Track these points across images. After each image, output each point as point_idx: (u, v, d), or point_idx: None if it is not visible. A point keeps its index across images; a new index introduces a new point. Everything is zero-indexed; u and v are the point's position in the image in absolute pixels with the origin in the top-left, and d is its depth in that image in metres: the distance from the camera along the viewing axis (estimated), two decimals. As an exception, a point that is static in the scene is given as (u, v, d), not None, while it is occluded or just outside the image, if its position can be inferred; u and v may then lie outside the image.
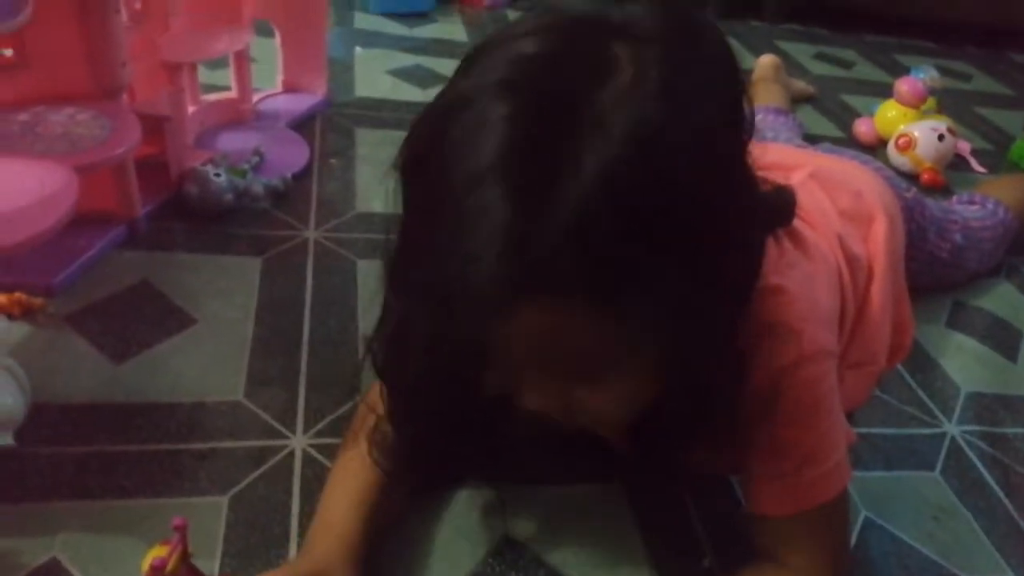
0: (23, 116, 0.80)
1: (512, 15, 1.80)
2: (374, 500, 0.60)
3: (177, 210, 0.94)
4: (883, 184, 0.88)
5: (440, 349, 0.49)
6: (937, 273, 1.03)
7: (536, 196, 0.40)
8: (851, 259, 0.70)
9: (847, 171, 0.87)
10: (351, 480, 0.61)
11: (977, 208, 1.11)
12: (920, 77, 1.54)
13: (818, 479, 0.56)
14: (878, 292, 0.73)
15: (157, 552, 0.52)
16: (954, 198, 1.18)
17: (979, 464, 0.82)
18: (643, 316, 0.43)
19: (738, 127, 0.47)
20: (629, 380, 0.50)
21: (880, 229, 0.77)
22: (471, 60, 0.45)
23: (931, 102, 1.50)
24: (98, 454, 0.65)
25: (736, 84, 0.47)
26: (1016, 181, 1.29)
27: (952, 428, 0.87)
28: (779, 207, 0.52)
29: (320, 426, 0.71)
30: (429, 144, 0.45)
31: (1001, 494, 0.79)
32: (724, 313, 0.48)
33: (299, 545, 0.60)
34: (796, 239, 0.62)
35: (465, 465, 0.68)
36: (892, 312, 0.76)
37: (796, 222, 0.57)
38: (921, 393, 0.91)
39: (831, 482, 0.57)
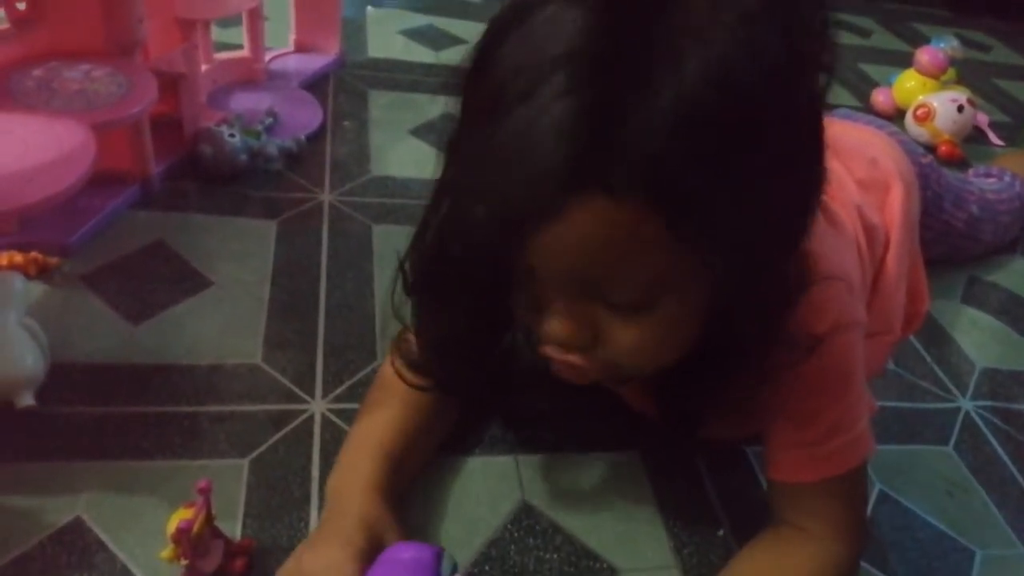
0: (38, 72, 0.78)
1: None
2: (402, 440, 0.60)
3: (190, 170, 0.93)
4: (898, 150, 0.86)
5: (479, 252, 0.47)
6: (952, 243, 1.02)
7: (622, 88, 0.39)
8: (868, 229, 0.70)
9: (862, 137, 0.86)
10: (378, 420, 0.61)
11: (994, 180, 1.10)
12: (941, 47, 1.51)
13: (843, 447, 0.56)
14: (894, 260, 0.72)
15: (182, 515, 0.52)
16: (971, 171, 1.17)
17: (993, 439, 0.83)
18: (697, 238, 0.42)
19: (826, 56, 0.45)
20: (663, 314, 0.47)
21: (896, 196, 0.77)
22: None
23: (951, 73, 1.48)
24: (117, 415, 0.65)
25: (826, 16, 0.45)
26: None
27: (966, 403, 0.87)
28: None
29: (339, 391, 0.71)
30: (494, 42, 0.43)
31: (1014, 469, 0.80)
32: (775, 258, 0.47)
33: (319, 508, 0.60)
34: (823, 209, 0.61)
35: (484, 389, 0.66)
36: (907, 280, 0.76)
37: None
38: (936, 368, 0.90)
39: (856, 450, 0.57)
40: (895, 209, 0.76)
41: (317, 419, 0.68)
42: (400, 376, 0.62)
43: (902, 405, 0.84)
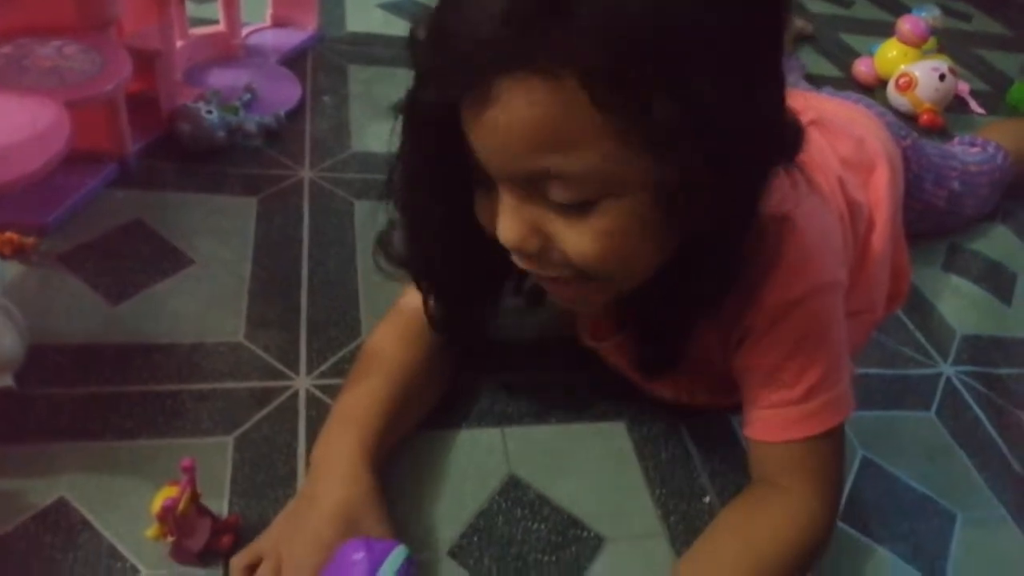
0: (7, 48, 0.77)
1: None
2: (386, 411, 0.61)
3: (168, 148, 0.92)
4: (885, 131, 0.87)
5: (431, 141, 0.50)
6: (933, 220, 1.03)
7: None
8: (851, 204, 0.70)
9: (850, 116, 0.86)
10: (362, 392, 0.62)
11: (978, 151, 1.11)
12: (922, 16, 1.51)
13: (824, 406, 0.57)
14: (879, 240, 0.72)
15: (167, 492, 0.52)
16: (955, 139, 1.17)
17: (974, 404, 0.84)
18: (628, 127, 0.43)
19: None
20: (608, 219, 0.47)
21: (882, 177, 0.77)
22: None
23: (932, 42, 1.48)
24: (98, 395, 0.64)
25: None
26: (1018, 126, 1.28)
27: (948, 369, 0.88)
28: (795, 126, 0.51)
29: (323, 367, 0.70)
30: None
31: (994, 434, 0.81)
32: (726, 183, 0.47)
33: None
34: (804, 175, 0.61)
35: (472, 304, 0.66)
36: (891, 260, 0.76)
37: (800, 163, 0.56)
38: (918, 334, 0.91)
39: (837, 409, 0.58)
40: (880, 189, 0.76)
41: (302, 396, 0.68)
42: (380, 266, 0.62)
43: (884, 372, 0.85)
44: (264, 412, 0.66)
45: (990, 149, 1.10)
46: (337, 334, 0.74)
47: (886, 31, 1.51)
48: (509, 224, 0.49)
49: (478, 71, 0.43)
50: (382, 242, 0.63)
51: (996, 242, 1.12)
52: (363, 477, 0.56)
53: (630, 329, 0.64)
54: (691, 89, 0.42)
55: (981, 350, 0.92)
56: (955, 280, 1.03)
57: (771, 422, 0.59)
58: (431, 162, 0.52)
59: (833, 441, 0.59)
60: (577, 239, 0.48)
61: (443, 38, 0.45)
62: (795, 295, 0.55)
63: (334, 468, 0.56)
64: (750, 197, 0.49)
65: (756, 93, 0.46)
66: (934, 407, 0.82)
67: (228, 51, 1.08)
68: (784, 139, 0.49)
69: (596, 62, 0.41)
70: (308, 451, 0.63)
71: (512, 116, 0.44)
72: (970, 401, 0.84)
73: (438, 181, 0.53)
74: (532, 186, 0.47)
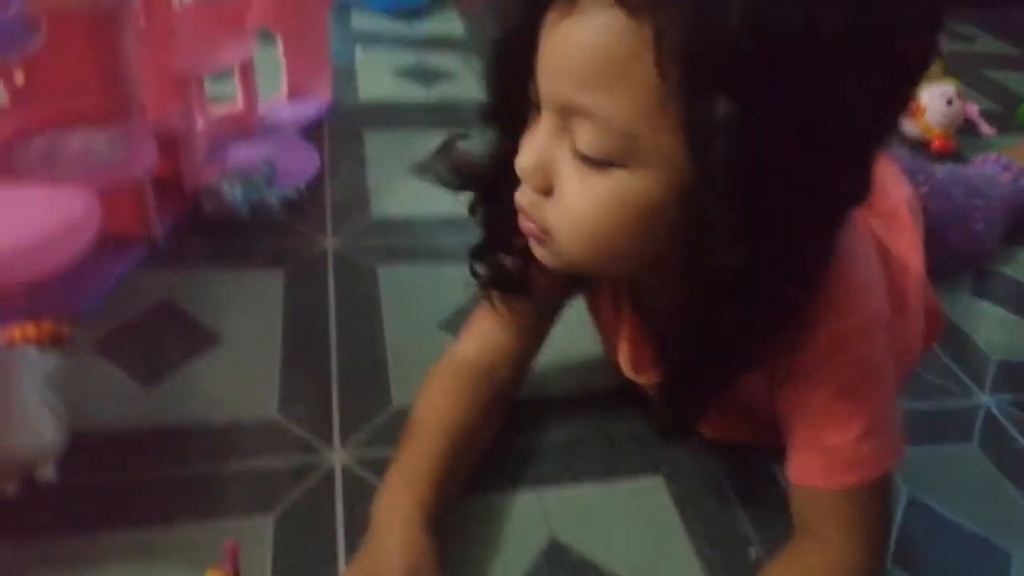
0: (39, 142, 0.79)
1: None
2: (451, 449, 0.63)
3: (193, 226, 0.94)
4: (901, 176, 0.86)
5: (511, 43, 0.50)
6: (954, 265, 1.02)
7: None
8: (881, 247, 0.69)
9: None
10: (427, 430, 0.64)
11: (1010, 178, 1.08)
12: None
13: (874, 453, 0.55)
14: (913, 283, 0.72)
15: (212, 578, 0.52)
16: (992, 159, 1.15)
17: (1017, 434, 0.82)
18: (683, 95, 0.42)
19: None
20: (615, 183, 0.47)
21: (906, 222, 0.77)
22: None
23: (938, 67, 1.49)
24: (138, 481, 0.65)
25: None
26: None
27: (986, 399, 0.86)
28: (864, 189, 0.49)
29: (357, 437, 0.71)
30: None
31: (1041, 464, 0.79)
32: (771, 197, 0.44)
33: (347, 560, 0.60)
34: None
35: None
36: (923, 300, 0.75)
37: None
38: (952, 364, 0.90)
39: (887, 455, 0.56)
40: (906, 235, 0.76)
41: (338, 468, 0.68)
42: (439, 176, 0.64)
43: (921, 405, 0.84)
44: (301, 488, 0.66)
45: (1022, 182, 1.09)
46: (368, 402, 0.75)
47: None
48: (529, 150, 0.50)
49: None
50: (444, 152, 0.64)
51: (1022, 265, 1.11)
52: (420, 540, 0.57)
53: (668, 363, 0.62)
54: (760, 110, 0.41)
55: (1018, 376, 0.90)
56: (985, 306, 1.02)
57: (815, 467, 0.57)
58: (504, 91, 0.53)
59: (882, 489, 0.58)
60: (575, 194, 0.48)
61: None
62: (843, 332, 0.53)
63: (395, 530, 0.57)
64: (790, 248, 0.47)
65: (833, 156, 0.44)
66: (975, 439, 0.81)
67: (247, 127, 1.11)
68: (845, 204, 0.48)
69: (677, 37, 0.41)
70: (347, 528, 0.63)
71: (583, 34, 0.44)
72: (1012, 430, 0.82)
73: (505, 114, 0.54)
74: (566, 124, 0.48)
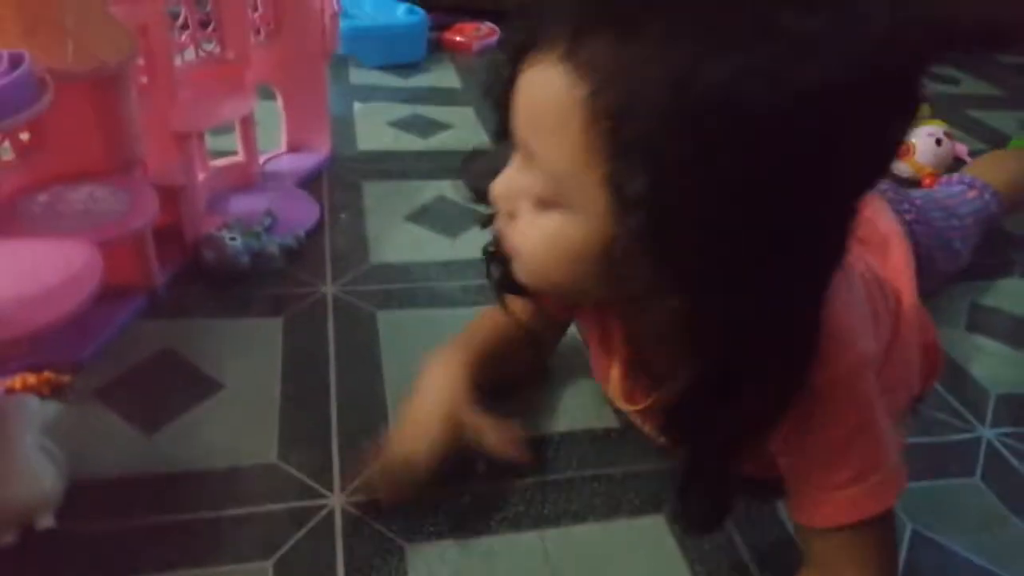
0: (43, 197, 0.81)
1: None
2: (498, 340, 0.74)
3: (194, 276, 0.95)
4: (888, 208, 0.88)
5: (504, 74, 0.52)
6: (940, 283, 1.04)
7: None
8: (876, 281, 0.70)
9: None
10: (478, 328, 0.76)
11: (975, 196, 1.10)
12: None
13: (879, 486, 0.56)
14: (907, 314, 0.72)
15: (211, 623, 0.51)
16: (955, 179, 1.16)
17: (1019, 466, 0.82)
18: (615, 151, 0.44)
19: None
20: (557, 225, 0.50)
21: (898, 253, 0.78)
22: None
23: (925, 109, 1.52)
24: (138, 528, 0.64)
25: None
26: (1005, 161, 1.26)
27: (987, 432, 0.86)
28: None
29: (357, 482, 0.70)
30: None
31: (1045, 495, 0.79)
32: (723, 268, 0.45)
33: (348, 604, 0.60)
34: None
35: None
36: (919, 335, 0.76)
37: None
38: (951, 399, 0.90)
39: (890, 486, 0.56)
40: (899, 266, 0.77)
41: (337, 513, 0.68)
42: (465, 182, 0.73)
43: (922, 440, 0.84)
44: (301, 533, 0.65)
45: (986, 196, 1.10)
46: (368, 447, 0.74)
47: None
48: (502, 179, 0.54)
49: (546, 27, 0.47)
50: (467, 163, 0.72)
51: (1017, 297, 1.12)
52: (461, 387, 0.67)
53: (661, 396, 0.63)
54: (682, 181, 0.42)
55: (1018, 408, 0.90)
56: (981, 340, 1.02)
57: (818, 509, 0.57)
58: (500, 126, 0.56)
59: (884, 523, 0.57)
60: (525, 231, 0.53)
61: None
62: (837, 374, 0.53)
63: (439, 378, 0.69)
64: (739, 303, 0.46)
65: (764, 233, 0.44)
66: (978, 472, 0.81)
67: (247, 179, 1.13)
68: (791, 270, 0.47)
69: (606, 98, 0.43)
70: (347, 571, 0.62)
71: (535, 84, 0.48)
72: (1014, 463, 0.82)
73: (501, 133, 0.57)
74: (527, 162, 0.51)
